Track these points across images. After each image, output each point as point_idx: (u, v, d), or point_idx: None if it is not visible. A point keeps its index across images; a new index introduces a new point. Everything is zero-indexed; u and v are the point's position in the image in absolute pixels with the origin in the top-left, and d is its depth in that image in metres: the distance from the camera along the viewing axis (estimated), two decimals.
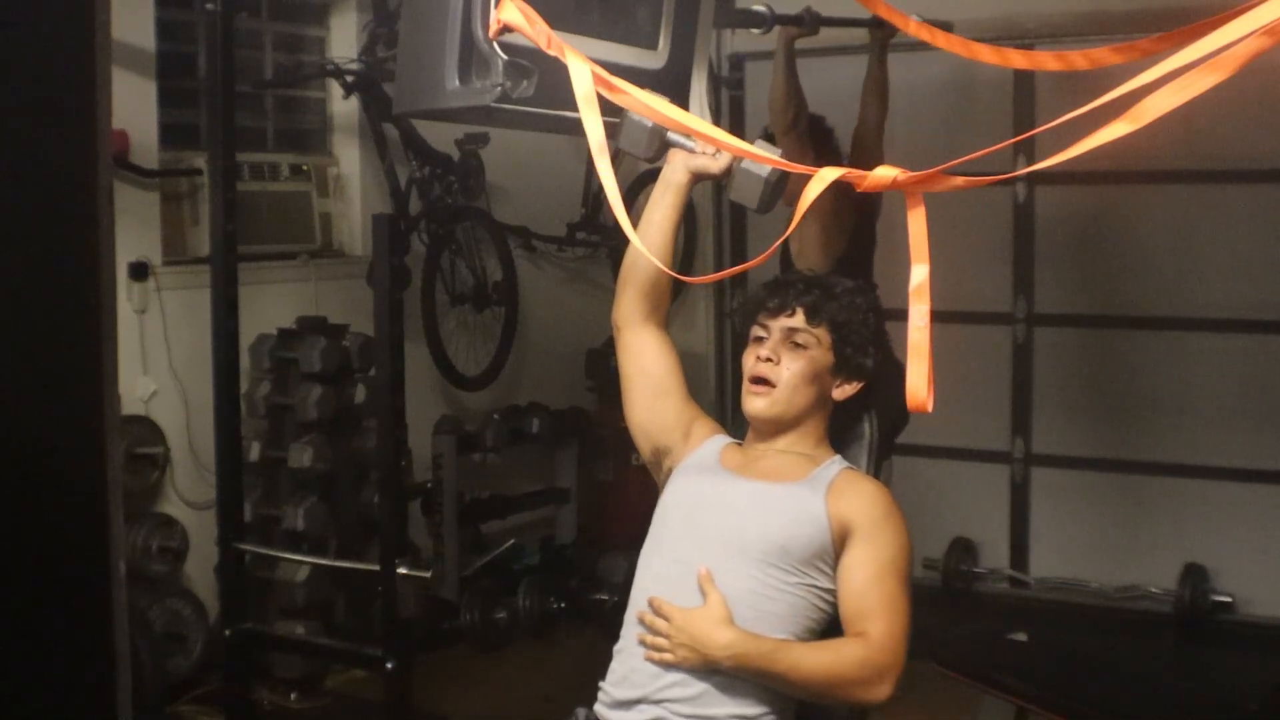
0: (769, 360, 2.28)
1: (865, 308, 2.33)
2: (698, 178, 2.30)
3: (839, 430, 2.42)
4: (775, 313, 2.31)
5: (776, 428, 2.32)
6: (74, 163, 1.27)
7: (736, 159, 2.20)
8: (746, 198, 2.21)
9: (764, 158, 1.87)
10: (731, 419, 2.63)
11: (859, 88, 4.07)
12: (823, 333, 2.29)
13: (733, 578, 2.19)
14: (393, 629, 3.68)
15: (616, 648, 2.28)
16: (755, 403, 2.30)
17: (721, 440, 2.40)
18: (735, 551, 2.20)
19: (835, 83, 5.65)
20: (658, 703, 2.17)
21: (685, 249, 5.68)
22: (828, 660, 2.12)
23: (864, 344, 2.31)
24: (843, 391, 2.33)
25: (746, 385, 2.31)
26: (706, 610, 2.13)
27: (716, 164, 2.24)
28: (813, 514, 2.20)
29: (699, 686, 2.15)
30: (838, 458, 2.34)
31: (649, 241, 2.30)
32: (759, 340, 2.32)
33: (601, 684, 2.28)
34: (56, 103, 1.26)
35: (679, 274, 2.20)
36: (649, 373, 2.38)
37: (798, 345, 2.29)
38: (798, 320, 2.29)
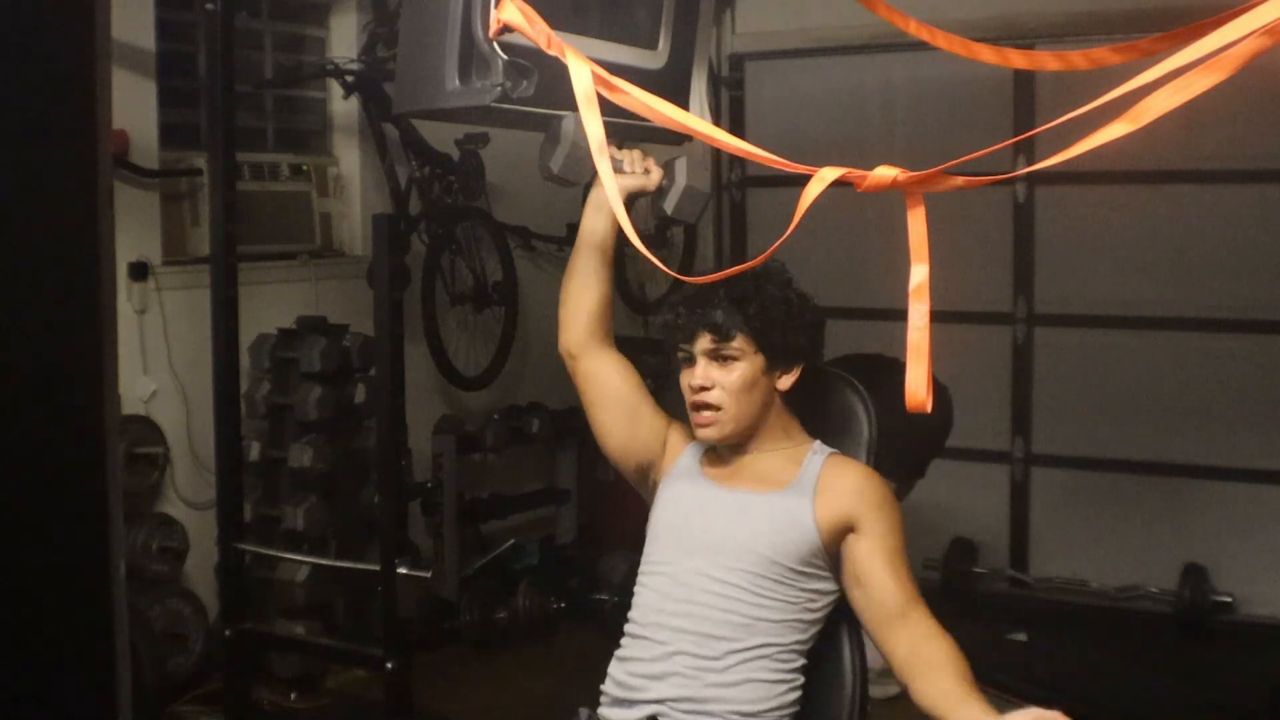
0: (703, 389, 2.26)
1: (779, 292, 2.27)
2: (633, 197, 2.31)
3: (835, 427, 2.41)
4: (689, 338, 2.27)
5: (738, 440, 2.30)
6: (74, 163, 1.27)
7: (667, 174, 2.25)
8: (686, 213, 2.26)
9: (761, 156, 1.86)
10: None
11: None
12: (743, 341, 2.25)
13: (722, 588, 2.20)
14: (393, 629, 3.69)
15: (618, 654, 2.29)
16: (705, 433, 2.28)
17: (699, 445, 2.38)
18: (725, 563, 2.20)
19: (835, 83, 5.68)
20: (658, 702, 2.17)
21: (685, 249, 5.69)
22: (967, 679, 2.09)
23: (789, 329, 2.26)
24: (786, 381, 2.29)
25: (690, 415, 2.29)
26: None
27: (651, 181, 2.28)
28: (799, 519, 2.20)
29: (696, 686, 2.16)
30: (817, 444, 2.32)
31: (590, 265, 2.32)
32: (688, 365, 2.28)
33: (602, 687, 2.29)
34: (56, 103, 1.26)
35: (679, 274, 2.20)
36: (619, 395, 2.36)
37: (725, 358, 2.25)
38: (711, 341, 2.25)
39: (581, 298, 2.35)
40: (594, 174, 2.16)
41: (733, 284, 2.24)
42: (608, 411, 2.37)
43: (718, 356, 2.25)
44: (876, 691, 4.17)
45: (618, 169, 2.26)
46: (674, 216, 2.30)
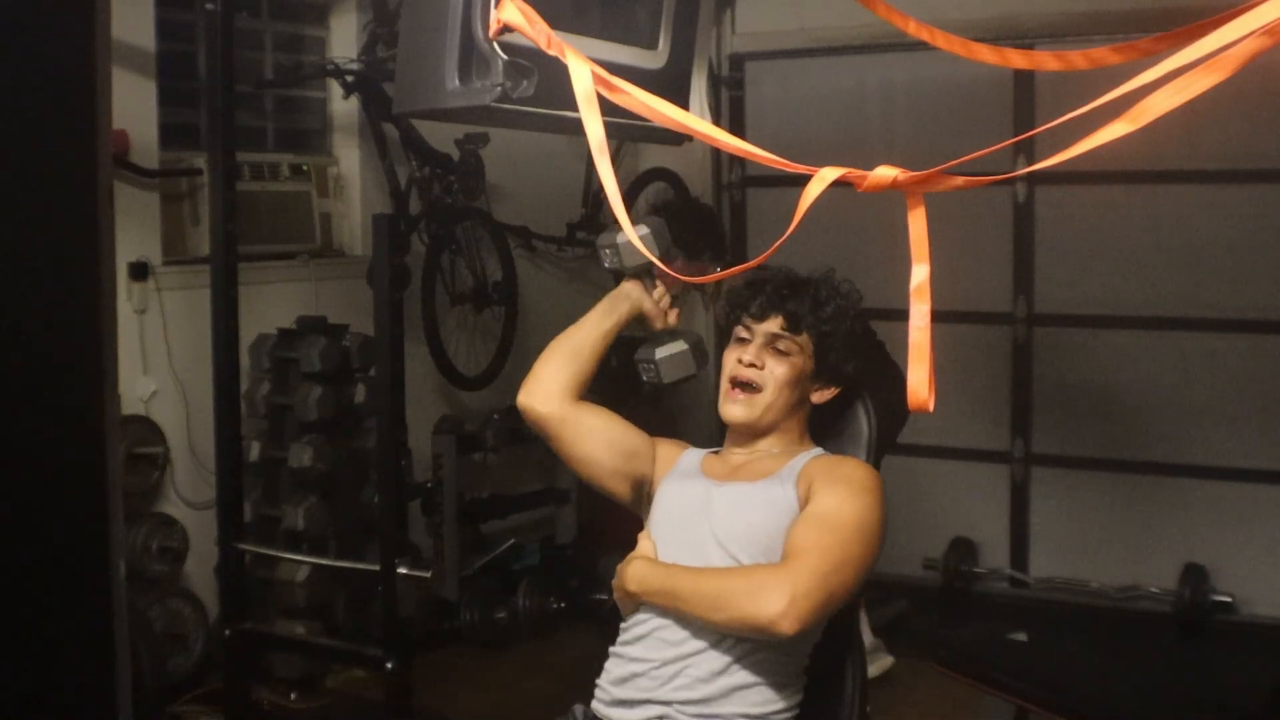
0: (752, 366, 2.28)
1: (850, 313, 2.33)
2: (635, 312, 2.37)
3: (835, 427, 2.41)
4: (758, 317, 2.31)
5: (754, 432, 2.32)
6: (74, 163, 1.27)
7: (676, 335, 2.35)
8: (668, 371, 2.34)
9: (761, 156, 1.86)
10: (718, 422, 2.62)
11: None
12: (805, 340, 2.29)
13: None
14: (393, 629, 3.68)
15: (614, 649, 2.28)
16: (734, 409, 2.30)
17: (698, 452, 2.41)
18: (733, 556, 2.20)
19: (835, 83, 5.67)
20: (666, 704, 2.17)
21: None
22: (720, 573, 2.14)
23: (846, 351, 2.31)
24: (821, 395, 2.34)
25: (726, 388, 2.31)
26: (632, 554, 2.25)
27: (664, 319, 2.36)
28: (787, 503, 2.20)
29: (706, 688, 2.15)
30: (820, 449, 2.34)
31: (589, 340, 2.37)
32: (741, 342, 2.32)
33: (599, 682, 2.27)
34: (56, 103, 1.26)
35: (677, 273, 2.20)
36: (613, 442, 2.38)
37: (780, 351, 2.29)
38: (780, 327, 2.29)
39: (571, 363, 2.37)
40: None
41: (818, 286, 2.32)
42: (603, 460, 2.38)
43: (776, 345, 2.29)
44: (870, 670, 4.18)
45: (647, 288, 2.35)
46: (657, 365, 2.34)
